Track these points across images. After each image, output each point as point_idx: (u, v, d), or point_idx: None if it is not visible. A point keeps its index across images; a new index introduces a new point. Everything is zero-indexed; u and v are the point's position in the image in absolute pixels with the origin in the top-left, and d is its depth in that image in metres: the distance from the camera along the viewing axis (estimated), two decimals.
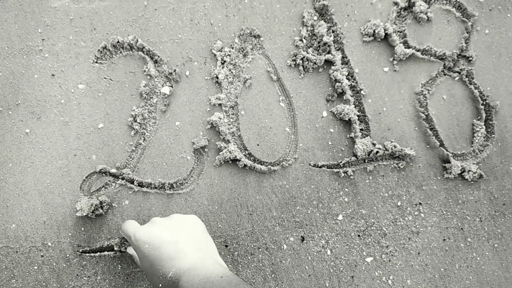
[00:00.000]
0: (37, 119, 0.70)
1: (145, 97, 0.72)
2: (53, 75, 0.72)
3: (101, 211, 0.67)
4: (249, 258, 0.68)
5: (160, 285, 0.46)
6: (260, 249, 0.69)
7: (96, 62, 0.73)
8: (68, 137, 0.70)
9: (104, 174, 0.69)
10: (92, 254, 0.67)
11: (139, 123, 0.71)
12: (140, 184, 0.69)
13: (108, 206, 0.68)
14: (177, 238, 0.49)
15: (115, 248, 0.64)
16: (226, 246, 0.69)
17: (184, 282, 0.44)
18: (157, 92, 0.72)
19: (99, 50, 0.73)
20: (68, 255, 0.67)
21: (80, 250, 0.67)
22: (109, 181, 0.69)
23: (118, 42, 0.73)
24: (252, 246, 0.69)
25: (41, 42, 0.73)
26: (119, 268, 0.67)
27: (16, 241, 0.67)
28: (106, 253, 0.67)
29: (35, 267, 0.66)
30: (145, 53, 0.74)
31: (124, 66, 0.74)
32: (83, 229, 0.68)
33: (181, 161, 0.71)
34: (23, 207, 0.68)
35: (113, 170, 0.69)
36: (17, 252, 0.67)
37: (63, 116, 0.71)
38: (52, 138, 0.70)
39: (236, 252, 0.68)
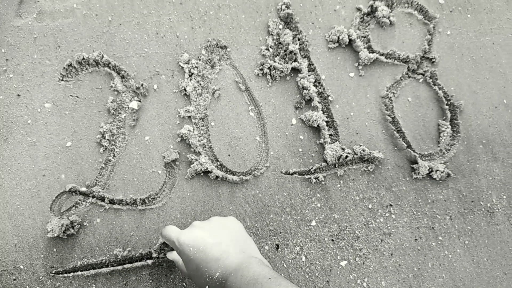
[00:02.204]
0: (4, 141, 0.70)
1: (113, 113, 0.72)
2: (18, 95, 0.72)
3: (72, 231, 0.66)
4: None
5: (207, 286, 0.48)
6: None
7: (62, 80, 0.73)
8: (36, 157, 0.70)
9: (74, 193, 0.69)
10: (65, 275, 0.67)
11: (107, 139, 0.70)
12: (111, 201, 0.69)
13: (79, 225, 0.67)
14: (220, 239, 0.50)
15: (154, 255, 0.63)
16: None
17: (231, 282, 0.46)
18: (125, 107, 0.72)
19: (64, 67, 0.73)
20: (41, 277, 0.66)
21: (53, 271, 0.67)
22: (79, 200, 0.69)
23: (83, 58, 0.73)
24: None
25: (5, 62, 0.72)
26: (94, 287, 0.67)
27: None
28: (79, 273, 0.66)
29: None
30: (112, 69, 0.74)
31: (91, 83, 0.73)
32: (55, 250, 0.67)
33: (152, 175, 0.71)
34: None
35: (83, 189, 0.68)
36: None
37: (30, 137, 0.70)
38: (20, 159, 0.69)
39: None
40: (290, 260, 0.70)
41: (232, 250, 0.49)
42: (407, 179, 0.75)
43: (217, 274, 0.47)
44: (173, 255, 0.57)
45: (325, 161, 0.74)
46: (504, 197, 0.77)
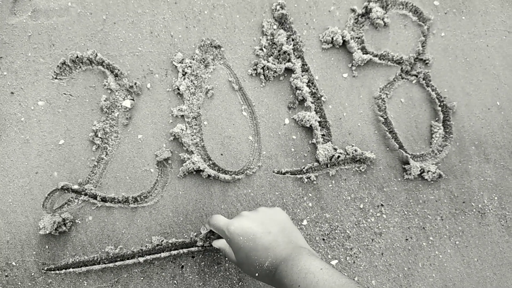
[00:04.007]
0: None
1: (106, 111, 0.72)
2: (12, 93, 0.72)
3: (64, 228, 0.67)
4: (215, 267, 0.69)
5: (257, 274, 0.49)
6: (227, 258, 0.69)
7: (56, 78, 0.73)
8: (29, 155, 0.70)
9: (66, 191, 0.69)
10: (57, 272, 0.67)
11: (100, 137, 0.71)
12: (103, 199, 0.69)
13: (71, 223, 0.67)
14: (269, 229, 0.51)
15: (199, 244, 0.65)
16: (193, 257, 0.69)
17: (281, 271, 0.46)
18: (118, 106, 0.73)
19: (58, 66, 0.73)
20: (33, 274, 0.67)
21: (45, 268, 0.67)
22: (71, 197, 0.69)
23: (77, 57, 0.73)
24: (218, 255, 0.70)
25: None
26: (85, 284, 0.67)
27: None
28: (71, 270, 0.67)
29: None
30: (105, 67, 0.74)
31: (84, 81, 0.74)
32: (47, 247, 0.67)
33: (145, 174, 0.71)
34: None
35: (75, 187, 0.69)
36: None
37: (23, 134, 0.71)
38: (13, 156, 0.70)
39: (203, 262, 0.69)
40: None
41: (281, 240, 0.50)
42: (399, 179, 0.76)
43: (267, 262, 0.48)
44: (219, 243, 0.59)
45: (317, 161, 0.74)
46: (496, 198, 0.78)
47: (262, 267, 0.48)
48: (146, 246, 0.68)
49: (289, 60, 0.77)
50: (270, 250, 0.48)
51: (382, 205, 0.74)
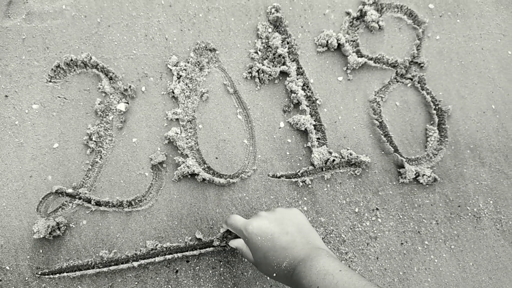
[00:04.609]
0: None
1: (101, 114, 0.72)
2: (6, 96, 0.72)
3: (58, 232, 0.66)
4: (210, 272, 0.69)
5: (274, 274, 0.49)
6: (221, 263, 0.69)
7: (50, 81, 0.73)
8: (23, 158, 0.70)
9: (60, 195, 0.69)
10: (51, 276, 0.67)
11: (94, 141, 0.70)
12: (98, 203, 0.69)
13: (65, 227, 0.67)
14: (286, 230, 0.51)
15: (216, 243, 0.65)
16: (188, 261, 0.69)
17: (300, 271, 0.46)
18: (113, 109, 0.72)
19: (52, 69, 0.73)
20: (27, 278, 0.66)
21: (39, 273, 0.67)
22: (66, 201, 0.69)
23: (71, 60, 0.73)
24: (213, 260, 0.69)
25: None
26: None
27: None
28: (65, 274, 0.67)
29: None
30: (100, 70, 0.74)
31: (78, 84, 0.73)
32: (41, 251, 0.67)
33: (139, 177, 0.71)
34: None
35: (70, 190, 0.69)
36: None
37: (17, 138, 0.70)
38: (7, 160, 0.69)
39: (198, 267, 0.69)
40: None
41: (299, 240, 0.50)
42: (394, 183, 0.76)
43: (285, 262, 0.48)
44: (236, 243, 0.58)
45: (312, 164, 0.74)
46: (491, 202, 0.77)
47: (280, 267, 0.49)
48: (141, 250, 0.67)
49: (284, 63, 0.77)
50: (288, 250, 0.49)
51: (377, 209, 0.74)
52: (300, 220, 0.54)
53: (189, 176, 0.71)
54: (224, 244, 0.66)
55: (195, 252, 0.67)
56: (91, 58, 0.73)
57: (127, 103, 0.73)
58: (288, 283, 0.49)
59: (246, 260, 0.66)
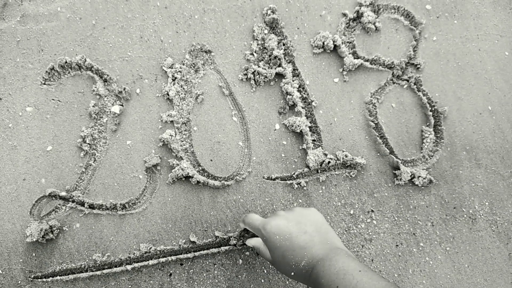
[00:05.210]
0: None
1: (95, 117, 0.71)
2: (0, 98, 0.71)
3: (51, 235, 0.66)
4: (204, 275, 0.68)
5: (293, 273, 0.49)
6: (215, 265, 0.69)
7: (44, 84, 0.73)
8: (16, 161, 0.69)
9: (54, 198, 0.68)
10: (44, 280, 0.66)
11: (88, 144, 0.70)
12: (91, 206, 0.69)
13: (58, 230, 0.67)
14: (305, 229, 0.51)
15: (232, 242, 0.66)
16: (181, 264, 0.68)
17: (318, 271, 0.46)
18: (107, 112, 0.72)
19: (46, 71, 0.72)
20: (19, 282, 0.66)
21: (32, 276, 0.66)
22: (59, 204, 0.68)
23: (66, 62, 0.72)
24: (207, 262, 0.69)
25: None
26: None
27: None
28: (58, 277, 0.66)
29: None
30: (94, 73, 0.73)
31: (73, 87, 0.73)
32: (34, 254, 0.67)
33: (133, 180, 0.71)
34: None
35: (63, 193, 0.68)
36: None
37: (11, 140, 0.70)
38: (0, 163, 0.69)
39: (192, 270, 0.68)
40: (270, 266, 0.70)
41: (317, 240, 0.50)
42: (389, 185, 0.75)
43: (303, 262, 0.48)
44: (253, 242, 0.58)
45: (308, 166, 0.74)
46: (487, 203, 0.77)
47: (298, 267, 0.49)
48: (134, 253, 0.67)
49: (280, 65, 0.77)
50: (306, 250, 0.49)
51: (372, 211, 0.74)
52: (318, 219, 0.54)
53: (184, 179, 0.71)
54: (241, 243, 0.66)
55: (189, 255, 0.67)
56: (85, 60, 0.72)
57: (122, 105, 0.72)
58: (307, 282, 0.49)
59: (262, 259, 0.67)
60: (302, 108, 0.76)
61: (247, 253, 0.70)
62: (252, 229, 0.57)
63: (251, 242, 0.60)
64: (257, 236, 0.59)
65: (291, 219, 0.53)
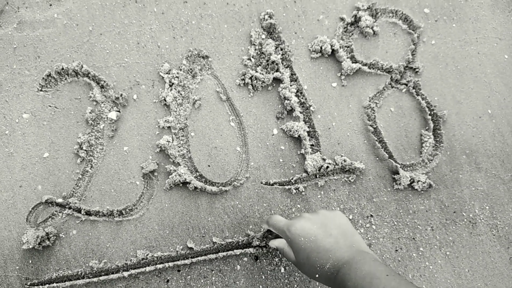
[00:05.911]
0: None
1: (92, 123, 0.71)
2: None
3: (48, 242, 0.66)
4: (202, 281, 0.68)
5: (317, 275, 0.49)
6: (213, 271, 0.68)
7: (41, 90, 0.72)
8: (13, 168, 0.69)
9: (50, 205, 0.68)
10: (41, 287, 0.66)
11: (85, 150, 0.70)
12: (88, 213, 0.68)
13: (55, 237, 0.67)
14: (329, 232, 0.51)
15: (255, 243, 0.66)
16: (179, 271, 0.68)
17: (344, 274, 0.45)
18: (104, 118, 0.72)
19: (43, 78, 0.72)
20: None
21: (29, 283, 0.66)
22: (55, 211, 0.68)
23: (62, 69, 0.72)
24: (205, 269, 0.68)
25: None
26: None
27: None
28: (55, 284, 0.66)
29: None
30: (91, 79, 0.73)
31: (69, 93, 0.73)
32: (30, 261, 0.66)
33: (130, 186, 0.70)
34: None
35: (60, 200, 0.68)
36: None
37: (7, 147, 0.70)
38: None
39: (189, 276, 0.68)
40: (269, 272, 0.69)
41: (342, 243, 0.50)
42: (389, 189, 0.75)
43: (328, 264, 0.48)
44: (277, 243, 0.58)
45: (306, 171, 0.73)
46: (487, 207, 0.77)
47: (323, 269, 0.48)
48: (131, 260, 0.67)
49: (277, 70, 0.77)
50: (331, 252, 0.48)
51: (371, 215, 0.73)
52: (343, 222, 0.54)
53: (181, 185, 0.71)
54: (264, 244, 0.66)
55: (187, 261, 0.66)
56: (82, 66, 0.72)
57: (119, 111, 0.72)
58: (332, 284, 0.49)
59: (286, 259, 0.67)
60: (300, 113, 0.75)
61: (245, 259, 0.70)
62: (276, 230, 0.57)
63: (274, 243, 0.60)
64: (280, 237, 0.59)
65: (316, 221, 0.53)
